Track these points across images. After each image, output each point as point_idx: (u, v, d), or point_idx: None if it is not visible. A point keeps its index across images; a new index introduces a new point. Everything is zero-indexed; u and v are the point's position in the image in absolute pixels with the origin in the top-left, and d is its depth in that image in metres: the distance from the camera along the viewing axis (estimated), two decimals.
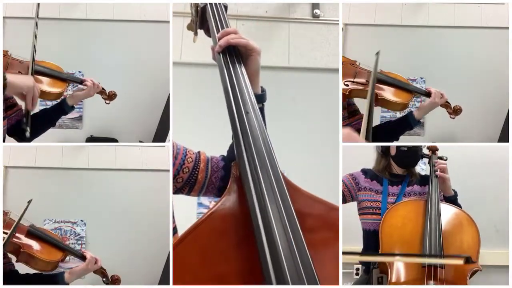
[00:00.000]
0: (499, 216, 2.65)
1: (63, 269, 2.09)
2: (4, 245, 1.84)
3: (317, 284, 0.90)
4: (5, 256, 1.90)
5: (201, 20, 1.28)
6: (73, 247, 2.98)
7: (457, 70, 3.07)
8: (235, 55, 1.17)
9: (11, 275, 1.92)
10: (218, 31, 1.21)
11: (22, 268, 2.02)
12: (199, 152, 1.36)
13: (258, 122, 1.06)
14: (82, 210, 3.03)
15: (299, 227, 0.93)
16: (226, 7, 1.28)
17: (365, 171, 2.15)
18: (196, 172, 1.32)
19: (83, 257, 2.09)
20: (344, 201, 2.11)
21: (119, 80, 3.01)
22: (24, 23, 2.94)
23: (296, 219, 0.93)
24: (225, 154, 1.38)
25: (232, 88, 1.10)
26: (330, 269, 1.00)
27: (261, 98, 1.25)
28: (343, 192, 2.09)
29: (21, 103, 1.95)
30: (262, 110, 1.25)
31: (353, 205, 2.16)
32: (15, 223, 1.90)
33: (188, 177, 1.32)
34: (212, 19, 1.23)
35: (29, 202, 2.00)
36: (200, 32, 1.31)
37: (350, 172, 2.16)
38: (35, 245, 1.97)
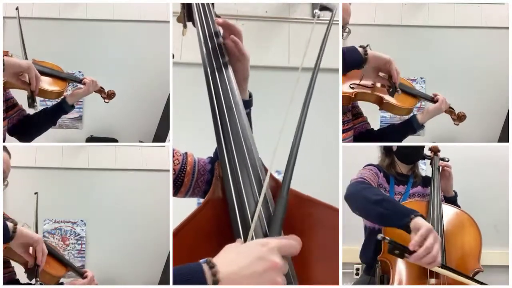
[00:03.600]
0: (499, 216, 2.65)
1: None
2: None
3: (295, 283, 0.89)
4: (8, 265, 1.88)
5: (188, 12, 1.27)
6: (73, 247, 2.99)
7: (457, 70, 3.07)
8: (220, 51, 1.15)
9: (12, 284, 1.92)
10: (201, 21, 1.19)
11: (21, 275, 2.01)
12: (186, 153, 1.33)
13: (240, 119, 1.03)
14: (82, 210, 3.03)
15: (279, 228, 0.91)
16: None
17: (378, 167, 2.12)
18: (183, 175, 1.29)
19: (82, 275, 2.09)
20: None
21: (119, 80, 3.01)
22: (24, 23, 2.94)
23: (281, 223, 0.91)
24: (213, 156, 1.36)
25: (214, 81, 1.08)
26: (329, 269, 0.98)
27: (248, 103, 1.23)
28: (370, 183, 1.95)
29: (21, 102, 1.95)
30: (248, 114, 1.24)
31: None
32: (33, 228, 1.89)
33: (174, 180, 1.29)
34: (196, 11, 1.21)
35: (36, 193, 1.99)
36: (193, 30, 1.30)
37: (367, 168, 2.07)
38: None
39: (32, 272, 1.67)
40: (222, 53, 1.15)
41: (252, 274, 0.78)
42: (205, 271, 0.77)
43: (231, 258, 0.81)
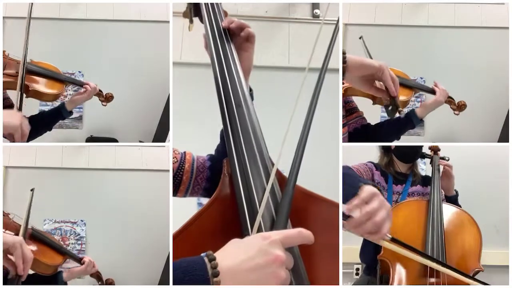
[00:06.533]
0: (499, 216, 2.65)
1: (61, 268, 2.09)
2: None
3: (307, 282, 0.88)
4: None
5: (195, 7, 1.27)
6: (73, 247, 2.99)
7: (457, 70, 3.07)
8: (229, 47, 1.14)
9: None
10: (209, 17, 1.19)
11: None
12: (184, 152, 1.33)
13: (250, 116, 1.03)
14: (82, 210, 3.03)
15: (286, 220, 0.90)
16: None
17: (375, 165, 2.12)
18: (181, 173, 1.28)
19: (81, 261, 2.10)
20: None
21: (119, 80, 3.02)
22: (24, 23, 2.94)
23: (287, 218, 0.91)
24: (214, 153, 1.35)
25: (223, 78, 1.07)
26: (330, 268, 0.98)
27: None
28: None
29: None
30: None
31: None
32: (23, 225, 1.87)
33: (173, 178, 1.28)
34: (204, 5, 1.21)
35: (32, 190, 1.96)
36: (197, 27, 1.29)
37: (364, 163, 2.09)
38: (38, 248, 1.96)
39: (13, 282, 1.47)
40: (229, 42, 1.15)
41: (253, 267, 0.77)
42: (206, 263, 0.77)
43: (232, 252, 0.80)
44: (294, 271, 0.86)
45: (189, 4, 1.27)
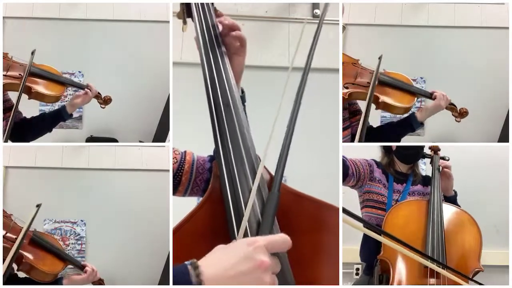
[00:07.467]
0: (499, 216, 2.65)
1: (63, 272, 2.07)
2: (12, 257, 1.80)
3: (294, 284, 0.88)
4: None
5: (187, 7, 1.25)
6: (73, 247, 2.99)
7: (457, 70, 3.06)
8: (218, 48, 1.13)
9: (11, 279, 1.91)
10: (199, 18, 1.18)
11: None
12: (185, 152, 1.32)
13: (238, 116, 1.02)
14: (82, 210, 3.03)
15: (276, 229, 0.90)
16: None
17: (377, 162, 2.12)
18: (180, 173, 1.27)
19: (83, 268, 2.07)
20: (347, 182, 2.02)
21: (119, 80, 3.02)
22: (24, 23, 2.95)
23: (273, 220, 0.90)
24: (213, 153, 1.35)
25: (211, 77, 1.06)
26: (329, 269, 0.98)
27: (241, 99, 1.20)
28: (353, 173, 1.98)
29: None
30: (243, 110, 1.22)
31: (351, 202, 2.13)
32: (22, 232, 1.86)
33: (172, 178, 1.27)
34: (194, 5, 1.20)
35: (38, 206, 1.95)
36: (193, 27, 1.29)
37: (365, 158, 2.09)
38: (37, 255, 1.93)
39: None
40: (219, 45, 1.14)
41: (237, 275, 0.77)
42: (190, 272, 0.77)
43: (216, 259, 0.80)
44: (280, 275, 0.84)
45: (182, 4, 1.26)
